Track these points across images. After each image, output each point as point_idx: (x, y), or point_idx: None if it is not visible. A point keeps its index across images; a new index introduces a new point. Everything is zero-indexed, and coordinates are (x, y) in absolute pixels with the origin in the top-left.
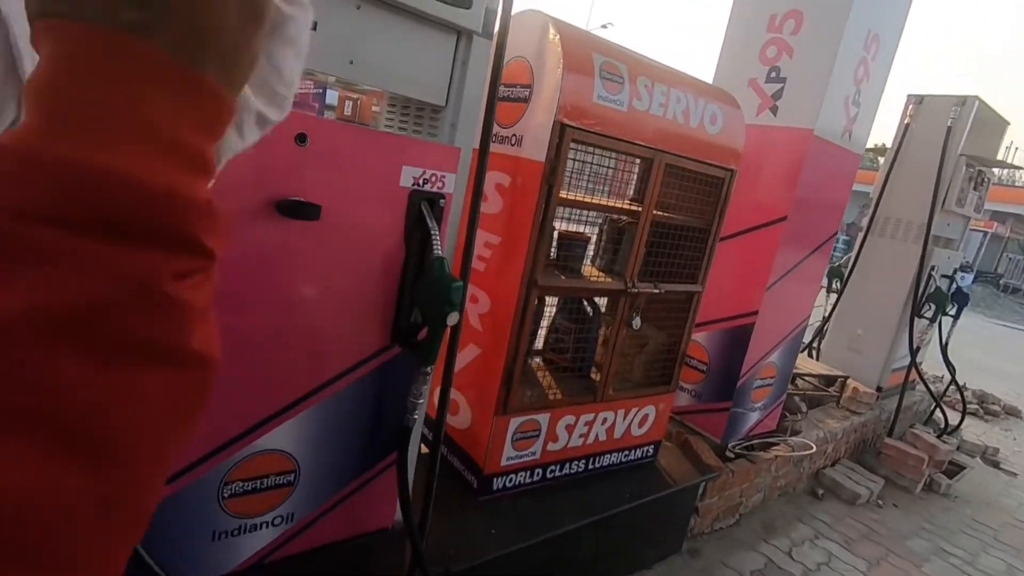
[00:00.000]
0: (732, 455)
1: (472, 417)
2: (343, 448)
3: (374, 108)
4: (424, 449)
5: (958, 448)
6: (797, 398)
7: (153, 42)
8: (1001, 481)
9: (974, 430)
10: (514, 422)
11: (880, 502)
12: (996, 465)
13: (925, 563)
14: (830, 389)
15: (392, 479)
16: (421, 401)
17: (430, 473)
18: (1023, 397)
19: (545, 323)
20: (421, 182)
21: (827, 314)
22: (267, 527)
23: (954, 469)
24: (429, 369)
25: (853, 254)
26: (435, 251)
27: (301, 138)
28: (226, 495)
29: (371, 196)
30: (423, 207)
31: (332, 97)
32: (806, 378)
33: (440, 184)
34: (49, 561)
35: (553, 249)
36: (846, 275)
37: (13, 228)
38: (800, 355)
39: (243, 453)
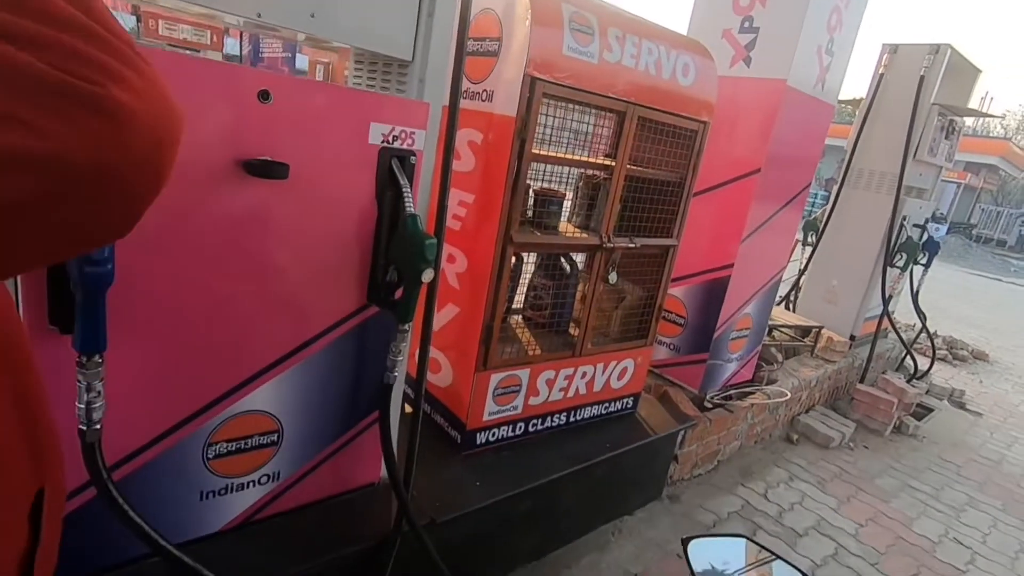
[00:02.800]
0: (710, 405)
1: (454, 375)
2: (326, 407)
3: (346, 72)
4: (408, 408)
5: (927, 392)
6: (773, 349)
7: None
8: (967, 421)
9: (943, 374)
10: (495, 378)
11: (851, 445)
12: (962, 406)
13: (893, 499)
14: (805, 339)
15: (376, 436)
16: (400, 359)
17: (412, 429)
18: (991, 342)
19: (525, 281)
20: (391, 139)
21: (803, 267)
22: (254, 486)
23: (922, 412)
24: (407, 327)
25: (828, 207)
26: (407, 208)
27: (264, 95)
28: (211, 456)
29: (340, 153)
30: (394, 164)
31: (303, 62)
32: (782, 329)
33: (410, 141)
34: None
35: (530, 208)
36: (821, 228)
37: None
38: (777, 307)
39: (225, 415)
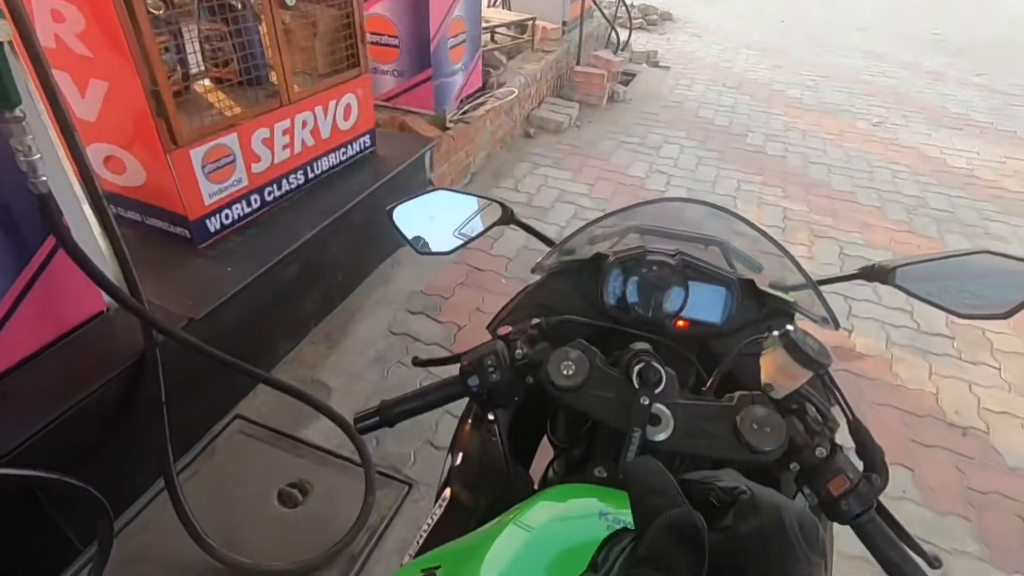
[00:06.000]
0: (451, 124)
1: (145, 167)
2: None
3: None
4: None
5: (630, 59)
6: (496, 53)
7: None
8: (659, 76)
9: (640, 41)
10: (196, 153)
11: (578, 124)
12: (656, 65)
13: (611, 156)
14: (524, 36)
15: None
16: (36, 157)
17: (111, 235)
18: (672, 1)
19: (192, 35)
20: None
21: None
22: None
23: (627, 77)
24: (18, 112)
25: None
26: None
27: None
28: None
29: None
30: None
31: None
32: (499, 30)
33: None
34: None
35: None
36: None
37: None
38: (492, 9)
39: None
